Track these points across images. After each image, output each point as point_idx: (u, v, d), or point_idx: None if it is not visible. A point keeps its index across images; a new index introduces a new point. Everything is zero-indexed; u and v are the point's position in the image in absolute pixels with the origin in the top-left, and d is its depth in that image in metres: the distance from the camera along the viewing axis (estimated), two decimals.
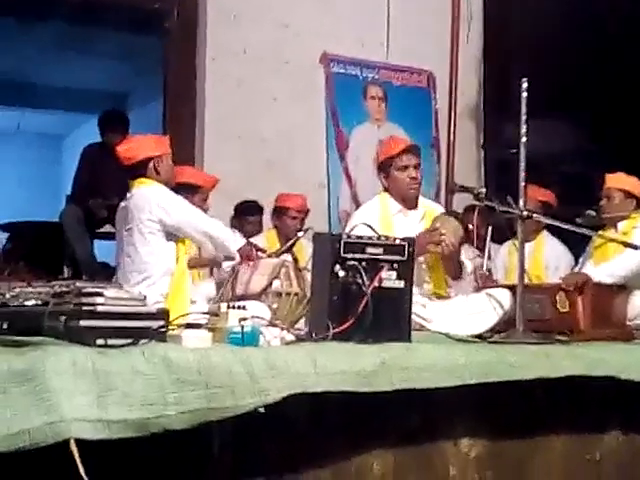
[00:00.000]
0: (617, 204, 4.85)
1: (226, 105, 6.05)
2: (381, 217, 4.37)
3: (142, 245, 4.20)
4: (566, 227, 4.23)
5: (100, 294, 2.64)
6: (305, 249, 4.54)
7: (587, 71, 7.54)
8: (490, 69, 7.25)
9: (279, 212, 5.85)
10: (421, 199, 4.61)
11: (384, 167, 4.50)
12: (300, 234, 4.19)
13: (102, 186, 6.05)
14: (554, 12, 7.24)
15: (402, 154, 4.44)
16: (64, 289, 2.81)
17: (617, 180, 4.93)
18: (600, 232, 4.65)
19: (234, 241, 4.27)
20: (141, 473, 2.44)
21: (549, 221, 4.51)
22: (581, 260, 5.10)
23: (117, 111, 7.14)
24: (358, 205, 6.42)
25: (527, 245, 4.54)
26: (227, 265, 4.27)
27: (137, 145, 4.42)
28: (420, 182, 4.50)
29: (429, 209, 4.55)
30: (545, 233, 5.49)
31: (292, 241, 4.25)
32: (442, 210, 4.72)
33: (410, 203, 4.47)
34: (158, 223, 4.19)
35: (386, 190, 4.51)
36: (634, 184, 4.90)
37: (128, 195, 4.35)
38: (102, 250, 6.36)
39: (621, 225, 4.82)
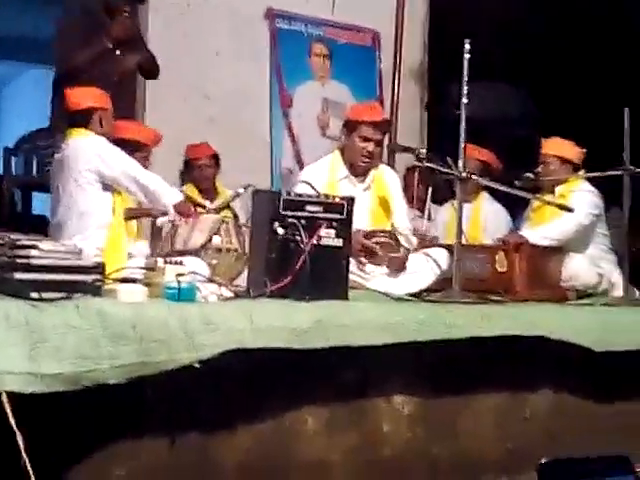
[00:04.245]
0: (553, 170, 4.89)
1: (169, 59, 5.96)
2: (328, 181, 4.35)
3: (78, 196, 4.16)
4: (503, 189, 4.29)
5: (35, 247, 2.62)
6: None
7: (536, 37, 7.57)
8: (436, 30, 7.24)
9: (186, 165, 5.78)
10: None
11: (349, 127, 4.43)
12: (240, 190, 4.15)
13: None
14: None
15: (370, 125, 4.37)
16: None
17: (553, 146, 4.95)
18: (537, 195, 4.70)
19: (170, 196, 4.23)
20: (75, 425, 2.44)
21: (487, 183, 4.56)
22: (519, 222, 5.17)
23: None
24: (301, 162, 6.42)
25: (466, 206, 4.58)
26: (161, 220, 4.24)
27: (86, 93, 4.39)
28: (374, 158, 4.42)
29: (378, 175, 4.48)
30: (485, 195, 5.52)
31: (232, 197, 4.22)
32: (392, 173, 4.67)
33: (358, 171, 4.44)
34: (95, 174, 4.16)
35: (340, 150, 4.49)
36: (570, 150, 4.92)
37: (63, 146, 4.30)
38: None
39: (558, 189, 4.87)
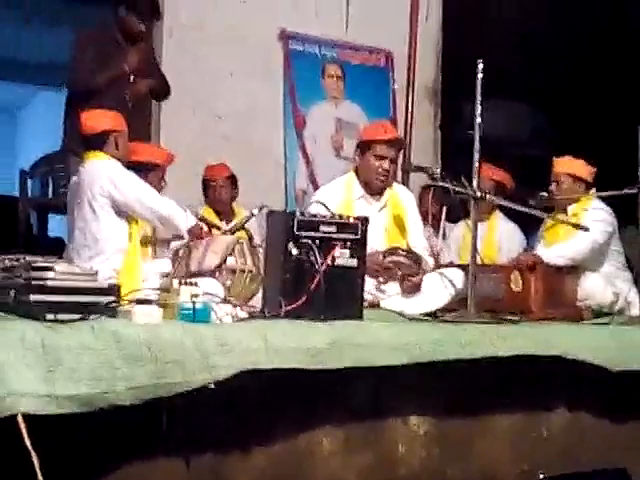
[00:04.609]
0: (566, 189, 4.88)
1: (182, 80, 6.00)
2: (343, 201, 4.36)
3: (93, 220, 4.17)
4: (517, 208, 4.28)
5: (50, 269, 2.63)
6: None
7: (548, 55, 7.59)
8: (449, 49, 7.26)
9: (204, 185, 5.78)
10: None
11: (362, 147, 4.46)
12: (255, 211, 4.16)
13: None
14: None
15: (384, 143, 4.39)
16: (14, 263, 2.79)
17: (565, 165, 4.94)
18: (551, 214, 4.69)
19: (184, 220, 4.23)
20: (90, 446, 2.44)
21: (501, 202, 4.55)
22: (533, 241, 5.16)
23: None
24: (315, 183, 6.44)
25: (480, 225, 4.56)
26: (175, 245, 4.23)
27: (102, 116, 4.41)
28: (390, 176, 4.44)
29: (394, 194, 4.50)
30: (499, 214, 5.52)
31: (246, 218, 4.22)
32: (407, 192, 4.68)
33: (374, 190, 4.46)
34: (108, 198, 4.17)
35: (355, 170, 4.50)
36: (582, 168, 4.92)
37: (80, 169, 4.31)
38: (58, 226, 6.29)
39: (571, 208, 4.86)
